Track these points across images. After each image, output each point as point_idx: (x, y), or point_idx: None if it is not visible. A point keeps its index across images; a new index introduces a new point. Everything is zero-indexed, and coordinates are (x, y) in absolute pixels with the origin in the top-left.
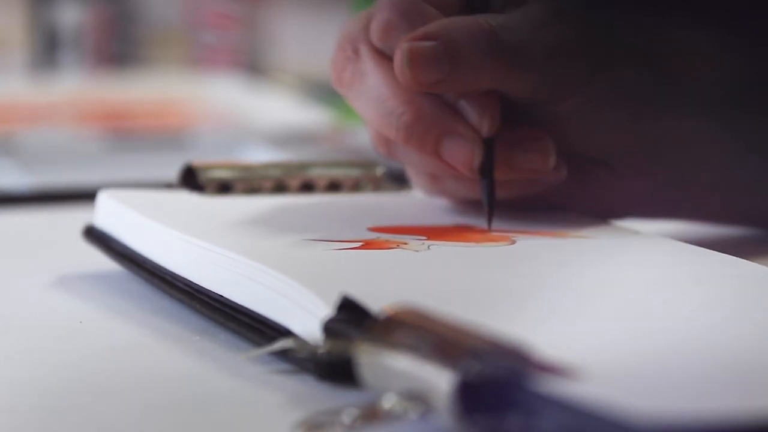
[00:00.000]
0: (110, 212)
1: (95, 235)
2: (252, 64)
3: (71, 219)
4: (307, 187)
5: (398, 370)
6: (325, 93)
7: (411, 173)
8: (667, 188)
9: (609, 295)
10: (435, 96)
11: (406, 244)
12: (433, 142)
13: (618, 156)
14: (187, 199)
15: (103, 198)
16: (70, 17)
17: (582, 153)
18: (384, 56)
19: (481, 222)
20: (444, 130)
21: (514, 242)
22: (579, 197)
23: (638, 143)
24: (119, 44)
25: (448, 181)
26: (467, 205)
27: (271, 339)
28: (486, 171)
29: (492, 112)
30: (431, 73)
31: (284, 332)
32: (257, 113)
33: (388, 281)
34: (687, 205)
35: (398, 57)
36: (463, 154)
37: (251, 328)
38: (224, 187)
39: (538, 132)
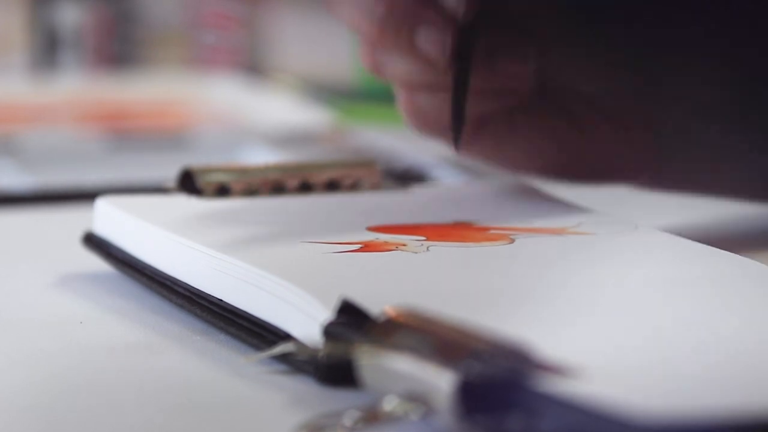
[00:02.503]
0: (109, 218)
1: (94, 242)
2: (252, 65)
3: (71, 219)
4: (306, 188)
5: (399, 372)
6: (325, 93)
7: (397, 96)
8: (675, 146)
9: (609, 294)
10: None
11: (405, 245)
12: (407, 32)
13: (617, 100)
14: (185, 203)
15: (101, 204)
16: (70, 17)
17: (577, 91)
18: None
19: (481, 219)
20: (417, 19)
21: (513, 241)
22: (584, 152)
23: (638, 88)
24: (119, 44)
25: (423, 96)
26: (443, 130)
27: (272, 343)
28: (460, 60)
29: None
30: None
31: (284, 336)
32: (257, 113)
33: (388, 283)
34: (696, 170)
35: None
36: (435, 40)
37: (251, 332)
38: (222, 190)
39: (517, 41)
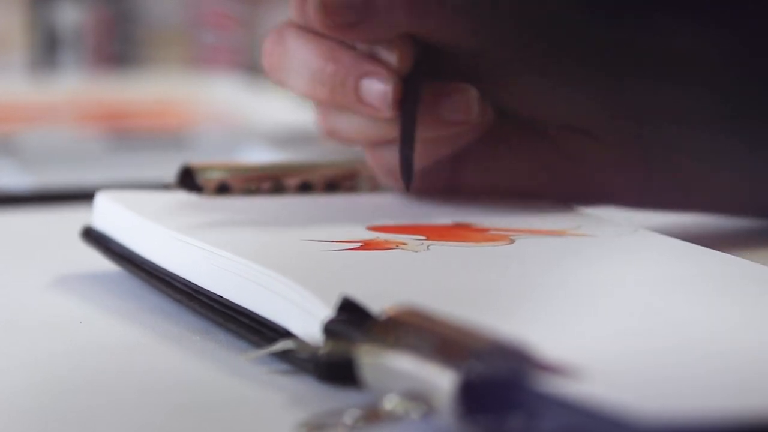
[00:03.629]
0: (108, 213)
1: (93, 237)
2: (252, 64)
3: (71, 219)
4: (305, 188)
5: (400, 371)
6: None
7: (367, 157)
8: (659, 164)
9: (610, 294)
10: (354, 48)
11: (405, 244)
12: (353, 87)
13: (599, 123)
14: (186, 199)
15: (101, 199)
16: (70, 17)
17: (555, 117)
18: (304, 28)
19: (480, 220)
20: (361, 72)
21: (512, 241)
22: (571, 174)
23: (618, 108)
24: (119, 44)
25: (386, 151)
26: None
27: (271, 340)
28: (404, 108)
29: (402, 47)
30: (345, 15)
31: (284, 333)
32: (257, 113)
33: (388, 282)
34: (681, 189)
35: (310, 2)
36: (377, 90)
37: (251, 329)
38: (222, 188)
39: (461, 83)
